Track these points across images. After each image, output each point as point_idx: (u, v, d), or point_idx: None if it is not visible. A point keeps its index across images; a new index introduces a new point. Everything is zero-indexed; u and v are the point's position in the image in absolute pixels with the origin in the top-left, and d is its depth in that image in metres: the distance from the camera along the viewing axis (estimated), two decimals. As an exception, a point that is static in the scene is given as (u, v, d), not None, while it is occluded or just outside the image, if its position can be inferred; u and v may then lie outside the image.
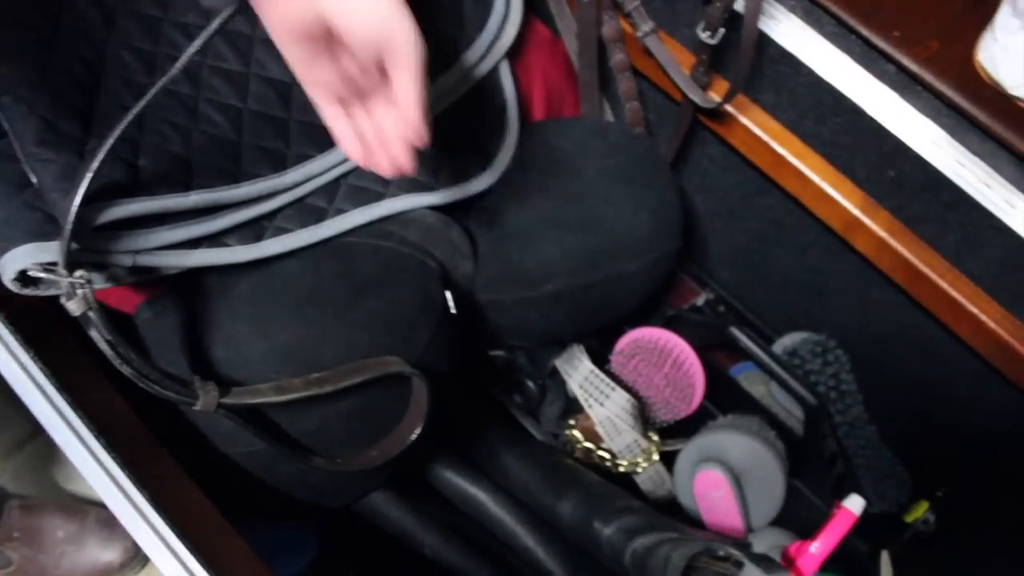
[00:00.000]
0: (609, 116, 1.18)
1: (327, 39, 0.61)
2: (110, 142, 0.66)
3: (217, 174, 0.80)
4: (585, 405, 1.03)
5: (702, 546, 0.85)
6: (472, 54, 0.95)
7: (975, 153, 0.94)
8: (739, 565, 0.88)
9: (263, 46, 0.85)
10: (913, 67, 0.93)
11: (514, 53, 1.03)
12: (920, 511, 1.18)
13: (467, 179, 0.94)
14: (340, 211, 0.88)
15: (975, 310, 0.99)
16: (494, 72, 0.99)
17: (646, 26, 1.01)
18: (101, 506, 0.82)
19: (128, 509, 0.70)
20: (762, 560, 0.86)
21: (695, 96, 1.02)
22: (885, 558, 1.08)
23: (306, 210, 0.86)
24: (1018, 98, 0.86)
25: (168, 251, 0.77)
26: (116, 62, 0.79)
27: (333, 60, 0.63)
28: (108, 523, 1.03)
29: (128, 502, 0.70)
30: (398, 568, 1.01)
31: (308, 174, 0.85)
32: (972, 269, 0.99)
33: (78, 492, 1.07)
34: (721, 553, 0.89)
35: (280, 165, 0.84)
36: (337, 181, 0.88)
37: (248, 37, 0.85)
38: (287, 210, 0.86)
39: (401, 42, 0.60)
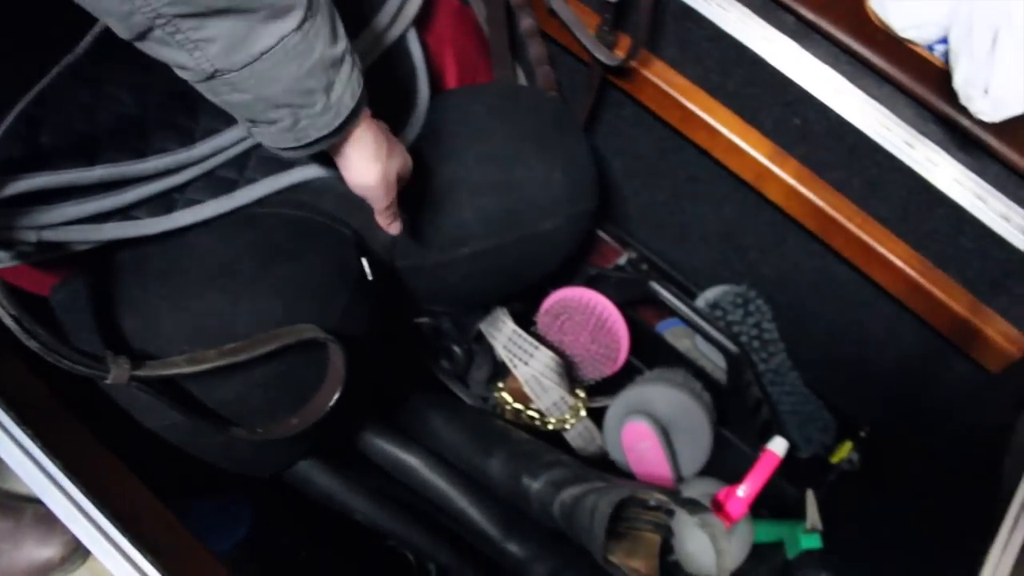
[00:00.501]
0: (523, 81, 1.19)
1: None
2: (9, 120, 0.66)
3: (123, 149, 0.79)
4: (510, 365, 1.05)
5: (627, 493, 0.87)
6: (379, 21, 0.95)
7: (873, 97, 0.96)
8: (670, 513, 0.91)
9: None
10: (809, 15, 0.95)
11: (423, 22, 1.04)
12: (844, 451, 1.21)
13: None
14: (251, 181, 0.88)
15: (884, 251, 1.01)
16: (402, 40, 0.99)
17: (551, -12, 1.03)
18: (37, 503, 0.81)
19: (66, 504, 0.70)
20: (688, 503, 0.88)
21: (600, 54, 1.03)
22: (811, 498, 1.11)
23: (217, 181, 0.87)
24: (908, 40, 0.88)
25: (76, 226, 0.77)
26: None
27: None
28: (45, 519, 1.03)
29: (65, 497, 0.70)
30: (332, 535, 1.02)
31: (217, 147, 0.85)
32: (879, 211, 1.02)
33: (13, 490, 1.06)
34: (652, 503, 0.91)
35: (188, 139, 0.84)
36: (248, 153, 0.88)
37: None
38: (197, 182, 0.86)
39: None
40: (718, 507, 1.03)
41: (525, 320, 1.13)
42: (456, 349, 1.10)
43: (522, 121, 0.99)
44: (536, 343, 1.04)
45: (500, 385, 1.09)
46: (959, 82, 0.81)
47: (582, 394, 1.09)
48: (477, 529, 0.97)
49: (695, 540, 1.00)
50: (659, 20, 1.02)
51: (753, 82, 1.01)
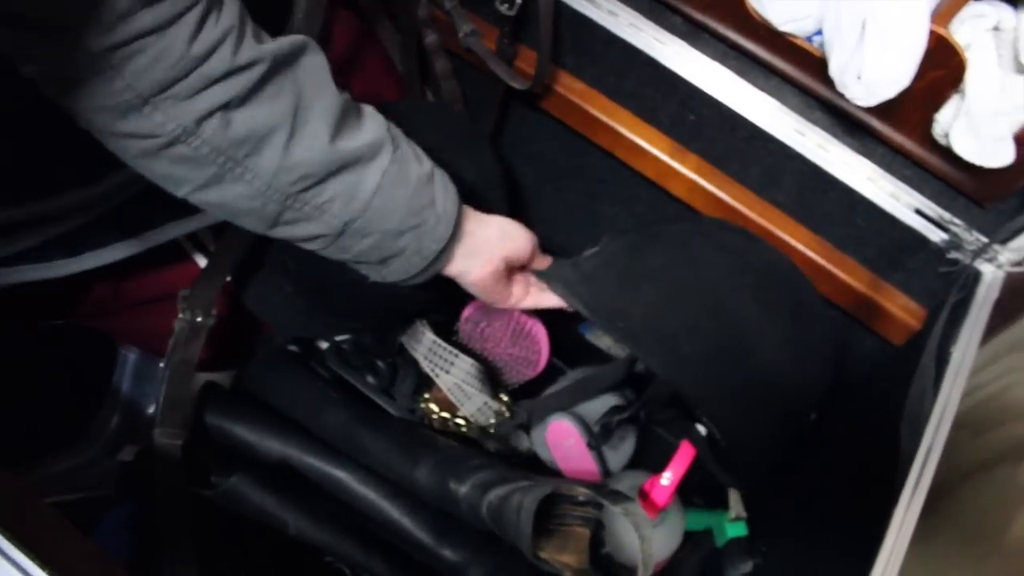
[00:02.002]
0: (429, 98, 1.22)
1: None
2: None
3: (25, 188, 0.80)
4: (432, 375, 1.06)
5: (551, 489, 0.89)
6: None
7: (762, 89, 1.00)
8: (598, 507, 0.93)
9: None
10: (696, 15, 0.99)
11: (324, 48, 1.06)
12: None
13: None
14: (155, 223, 0.89)
15: (786, 236, 1.05)
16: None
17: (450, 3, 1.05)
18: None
19: None
20: (610, 494, 0.91)
21: (514, 82, 1.06)
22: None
23: (123, 221, 0.87)
24: (788, 33, 0.92)
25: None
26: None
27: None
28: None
29: None
30: (267, 553, 1.03)
31: (120, 183, 0.86)
32: (777, 198, 1.06)
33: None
34: (579, 499, 0.94)
35: (94, 175, 0.84)
36: (151, 191, 0.89)
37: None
38: (104, 222, 0.86)
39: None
40: (645, 497, 1.06)
41: (447, 330, 1.15)
42: (380, 364, 1.12)
43: (428, 136, 1.01)
44: (456, 351, 1.06)
45: (426, 396, 1.10)
46: (834, 70, 0.85)
47: (505, 398, 1.11)
48: (411, 538, 0.98)
49: (624, 530, 1.03)
50: (556, 30, 1.05)
51: (648, 83, 1.05)
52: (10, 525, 0.70)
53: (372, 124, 0.75)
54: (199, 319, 0.93)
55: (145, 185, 0.88)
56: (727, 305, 0.90)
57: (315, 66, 0.70)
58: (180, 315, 0.93)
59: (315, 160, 0.69)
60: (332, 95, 0.71)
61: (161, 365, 1.08)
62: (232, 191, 0.68)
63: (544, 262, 0.96)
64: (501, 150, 1.28)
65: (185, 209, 0.91)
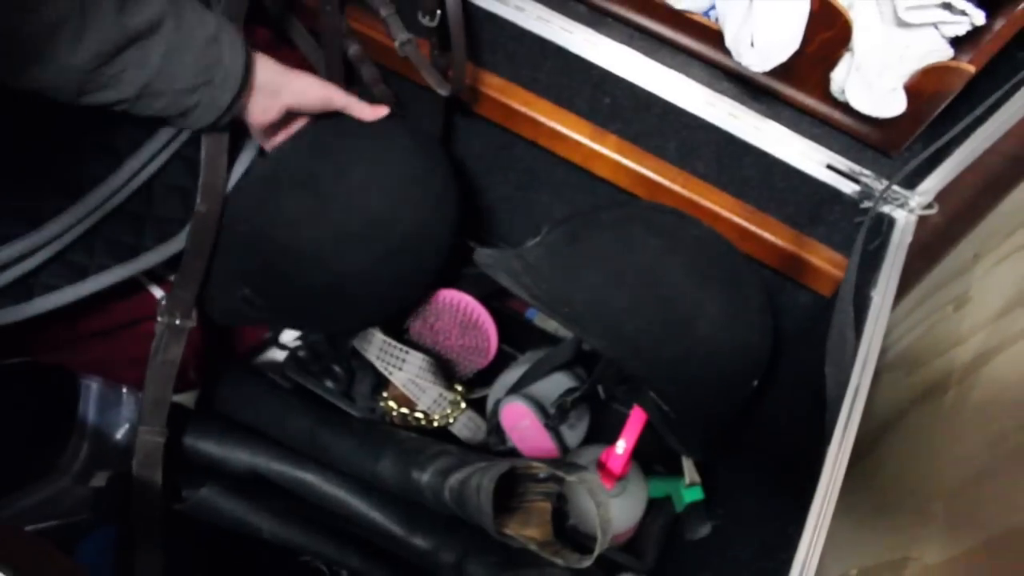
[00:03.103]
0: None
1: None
2: None
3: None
4: (386, 373, 1.10)
5: (508, 466, 0.93)
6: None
7: (670, 66, 1.04)
8: (559, 481, 0.97)
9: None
10: (599, 2, 1.03)
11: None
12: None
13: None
14: (101, 267, 0.92)
15: (710, 204, 1.09)
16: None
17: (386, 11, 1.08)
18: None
19: None
20: (565, 466, 0.94)
21: (433, 81, 1.08)
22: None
23: (69, 266, 0.90)
24: (686, 11, 0.96)
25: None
26: None
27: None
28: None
29: None
30: (243, 559, 1.07)
31: (64, 226, 0.88)
32: (697, 168, 1.10)
33: None
34: (540, 475, 0.97)
35: (36, 221, 0.87)
36: (94, 234, 0.92)
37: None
38: (51, 267, 0.89)
39: (338, 100, 1.00)
40: (603, 468, 1.10)
41: (397, 328, 1.19)
42: (336, 368, 1.15)
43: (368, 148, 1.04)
44: (405, 348, 1.10)
45: (384, 395, 1.14)
46: (729, 40, 0.89)
47: (460, 388, 1.15)
48: (382, 530, 1.02)
49: (585, 500, 1.07)
50: (471, 31, 1.08)
51: (562, 71, 1.09)
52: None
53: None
54: (178, 322, 0.96)
55: (87, 228, 0.92)
56: (664, 283, 0.95)
57: None
58: (159, 318, 0.96)
59: (104, 39, 0.76)
60: None
61: (124, 391, 1.11)
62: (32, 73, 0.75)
63: (360, 108, 1.02)
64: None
65: (131, 250, 0.94)
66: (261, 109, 0.96)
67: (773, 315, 1.02)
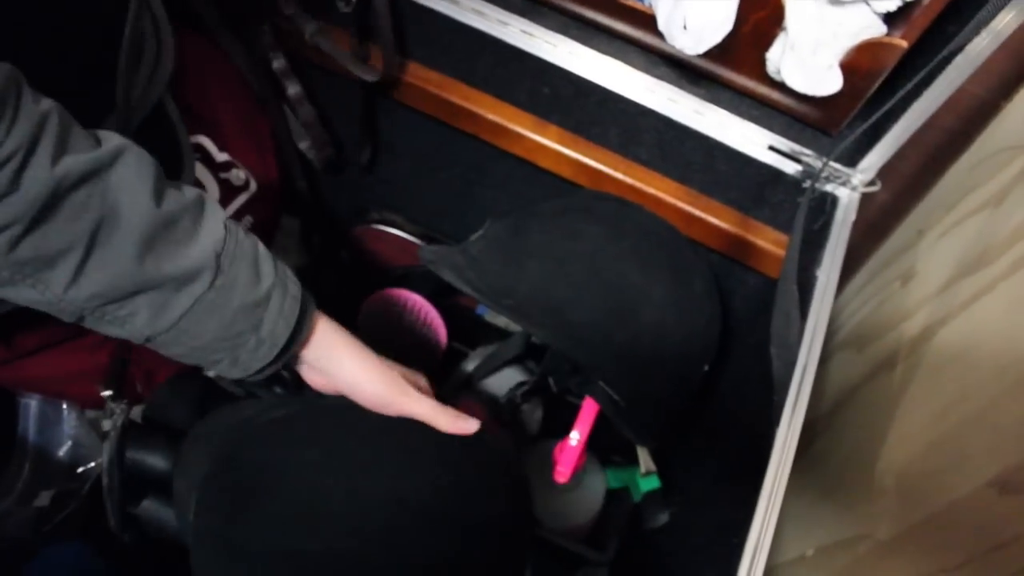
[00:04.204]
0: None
1: None
2: None
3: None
4: (336, 376, 1.08)
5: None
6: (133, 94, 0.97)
7: (607, 53, 1.04)
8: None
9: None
10: (531, -9, 1.02)
11: (183, 76, 1.07)
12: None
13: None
14: None
15: (653, 191, 1.09)
16: (160, 106, 1.01)
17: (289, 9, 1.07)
18: None
19: None
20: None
21: (362, 73, 1.07)
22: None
23: None
24: (620, -2, 0.95)
25: None
26: None
27: None
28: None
29: None
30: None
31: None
32: (639, 155, 1.09)
33: None
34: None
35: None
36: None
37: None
38: None
39: (408, 407, 0.83)
40: (556, 461, 1.09)
41: (350, 327, 1.17)
42: (285, 374, 1.13)
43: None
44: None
45: (335, 398, 1.13)
46: (662, 24, 0.89)
47: (413, 387, 1.14)
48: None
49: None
50: (400, 24, 1.07)
51: (499, 63, 1.07)
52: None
53: (202, 244, 0.68)
54: None
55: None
56: (608, 270, 0.94)
57: (131, 177, 0.64)
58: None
59: (114, 281, 0.64)
60: (148, 210, 0.64)
61: (64, 407, 1.09)
62: (25, 295, 0.63)
63: (444, 419, 0.86)
64: (378, 146, 1.31)
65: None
66: (307, 376, 0.84)
67: (722, 299, 1.02)
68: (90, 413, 1.13)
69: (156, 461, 1.01)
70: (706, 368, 1.00)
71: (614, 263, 0.94)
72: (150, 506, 0.96)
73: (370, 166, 1.35)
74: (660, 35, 0.90)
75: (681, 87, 1.02)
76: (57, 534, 1.02)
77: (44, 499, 1.04)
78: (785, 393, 0.84)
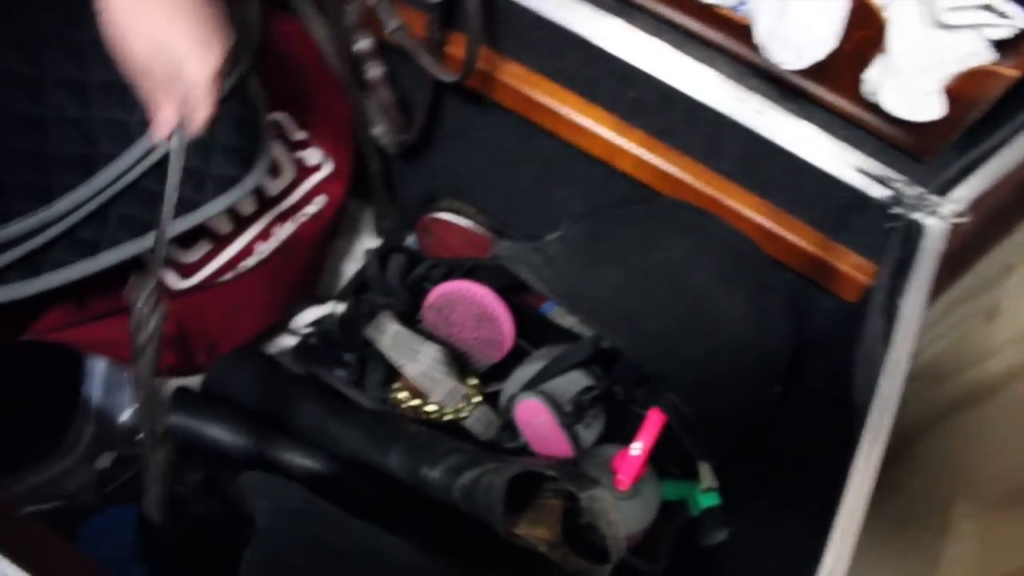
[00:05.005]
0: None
1: None
2: None
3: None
4: (398, 365, 1.08)
5: (520, 469, 0.91)
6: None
7: (699, 60, 1.02)
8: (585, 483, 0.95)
9: (6, 80, 0.87)
10: (627, -7, 1.00)
11: (266, 53, 1.07)
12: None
13: (231, 186, 0.98)
14: (115, 242, 0.90)
15: (735, 204, 1.07)
16: (242, 80, 1.02)
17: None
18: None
19: None
20: (577, 479, 0.92)
21: (441, 74, 1.07)
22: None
23: (80, 242, 0.89)
24: (715, 5, 0.93)
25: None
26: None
27: None
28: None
29: None
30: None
31: (74, 203, 0.87)
32: (723, 167, 1.07)
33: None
34: (549, 474, 0.95)
35: (45, 198, 0.86)
36: (106, 210, 0.91)
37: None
38: (61, 242, 0.88)
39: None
40: (616, 470, 1.07)
41: (411, 319, 1.17)
42: (348, 357, 1.13)
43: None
44: (420, 339, 1.08)
45: (396, 386, 1.12)
46: (761, 36, 0.87)
47: (473, 382, 1.13)
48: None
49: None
50: (488, 16, 1.06)
51: (586, 62, 1.06)
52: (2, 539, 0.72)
53: None
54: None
55: (99, 205, 0.90)
56: (687, 283, 0.92)
57: None
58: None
59: None
60: None
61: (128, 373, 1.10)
62: None
63: None
64: (451, 136, 1.31)
65: (144, 226, 0.93)
66: None
67: (798, 319, 1.00)
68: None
69: (215, 432, 1.02)
70: (778, 389, 0.98)
71: (694, 275, 0.92)
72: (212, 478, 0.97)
73: (443, 155, 1.35)
74: (754, 46, 0.89)
75: (772, 100, 1.00)
76: (116, 497, 1.03)
77: (105, 461, 1.05)
78: (864, 424, 0.82)
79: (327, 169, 1.22)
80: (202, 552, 1.04)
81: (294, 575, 0.78)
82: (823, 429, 1.01)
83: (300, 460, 1.01)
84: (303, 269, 1.23)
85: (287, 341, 1.25)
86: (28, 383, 1.04)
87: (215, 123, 0.80)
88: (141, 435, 1.07)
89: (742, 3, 0.92)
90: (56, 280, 0.87)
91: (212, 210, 0.98)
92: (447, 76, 1.05)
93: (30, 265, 0.85)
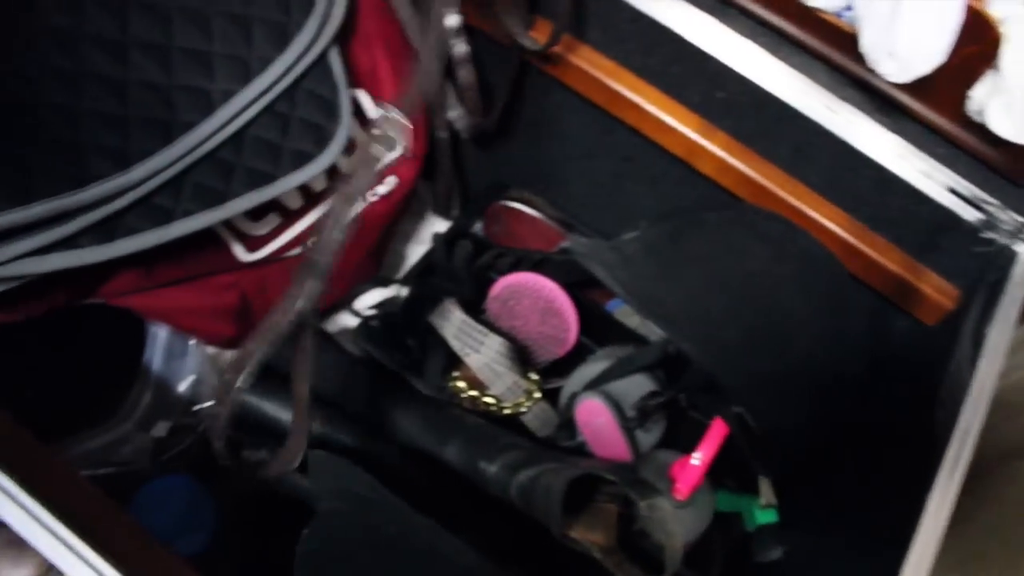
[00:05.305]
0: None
1: None
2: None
3: (60, 177, 0.80)
4: (461, 354, 1.07)
5: (580, 472, 0.89)
6: (301, 40, 0.96)
7: (792, 66, 0.98)
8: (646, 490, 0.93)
9: (91, 43, 0.86)
10: (725, -9, 0.98)
11: (349, 26, 1.05)
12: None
13: (306, 163, 0.97)
14: (187, 212, 0.89)
15: (817, 216, 1.04)
16: (322, 58, 1.00)
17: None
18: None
19: (27, 521, 0.70)
20: (637, 485, 0.91)
21: (517, 31, 1.04)
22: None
23: (154, 210, 0.87)
24: (817, 8, 0.90)
25: (14, 262, 0.78)
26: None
27: None
28: (18, 540, 1.04)
29: (27, 514, 0.70)
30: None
31: (152, 169, 0.86)
32: (808, 177, 1.04)
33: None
34: (610, 478, 0.93)
35: (123, 163, 0.85)
36: (182, 178, 0.89)
37: (80, 36, 0.85)
38: (136, 209, 0.87)
39: None
40: (674, 478, 1.05)
41: (475, 308, 1.15)
42: (409, 342, 1.12)
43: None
44: (486, 330, 1.06)
45: (456, 374, 1.11)
46: (866, 46, 0.83)
47: (535, 377, 1.12)
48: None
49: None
50: (579, 4, 1.04)
51: (676, 59, 1.03)
52: (57, 502, 0.71)
53: None
54: None
55: (178, 172, 0.89)
56: (766, 295, 0.90)
57: None
58: None
59: None
60: None
61: (191, 343, 1.09)
62: None
63: None
64: (527, 125, 1.28)
65: (219, 197, 0.91)
66: None
67: (874, 340, 0.97)
68: (211, 350, 1.14)
69: (273, 408, 1.01)
70: (847, 406, 0.96)
71: (773, 288, 0.90)
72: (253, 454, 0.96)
73: (517, 143, 1.32)
74: (853, 55, 0.86)
75: (865, 112, 0.97)
76: (171, 467, 1.03)
77: (161, 430, 1.05)
78: (944, 454, 0.79)
79: (400, 150, 1.20)
80: (256, 527, 1.04)
81: (351, 563, 0.77)
82: (893, 455, 0.98)
83: (358, 444, 1.00)
84: (368, 249, 1.21)
85: (347, 321, 1.24)
86: (91, 346, 1.04)
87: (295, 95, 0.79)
88: (198, 406, 1.08)
89: (848, 8, 0.89)
90: (129, 247, 0.85)
91: (286, 185, 0.96)
92: (531, 43, 1.03)
93: (105, 231, 0.84)
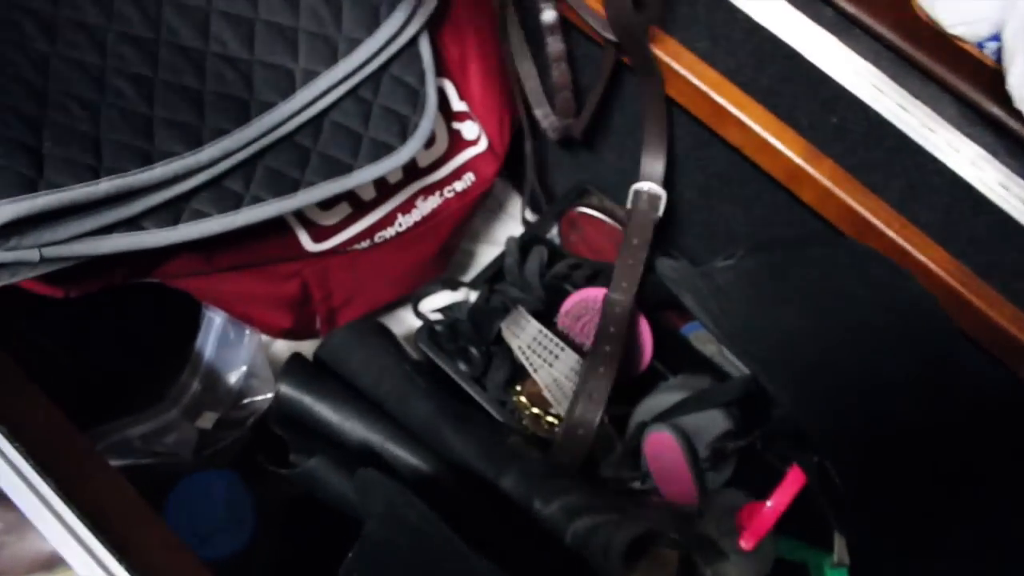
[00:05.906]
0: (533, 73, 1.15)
1: None
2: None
3: (129, 155, 0.76)
4: (530, 368, 1.00)
5: (643, 529, 0.83)
6: (393, 22, 0.91)
7: (917, 96, 0.91)
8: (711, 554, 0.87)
9: (173, 9, 0.82)
10: (850, 8, 0.91)
11: (441, 12, 1.00)
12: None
13: (386, 155, 0.92)
14: (256, 199, 0.84)
15: (923, 258, 0.96)
16: (412, 43, 0.95)
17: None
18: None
19: (37, 505, 0.66)
20: (702, 546, 0.85)
21: (599, 26, 0.98)
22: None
23: (223, 193, 0.83)
24: (956, 36, 0.83)
25: (79, 240, 0.74)
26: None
27: None
28: (50, 550, 1.01)
29: (36, 496, 0.66)
30: (338, 536, 1.00)
31: (225, 150, 0.81)
32: (919, 216, 0.97)
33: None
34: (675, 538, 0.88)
35: (195, 141, 0.80)
36: (254, 162, 0.85)
37: (162, 1, 0.81)
38: (203, 192, 0.82)
39: None
40: (742, 525, 0.99)
41: (546, 321, 1.09)
42: (473, 351, 1.06)
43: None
44: (562, 344, 1.00)
45: (518, 389, 1.05)
46: (1014, 83, 0.76)
47: (602, 401, 1.06)
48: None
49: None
50: (692, 11, 0.98)
51: (789, 78, 0.96)
52: (88, 510, 0.67)
53: None
54: None
55: (251, 155, 0.84)
56: (867, 343, 0.83)
57: None
58: None
59: None
60: None
61: (247, 332, 1.05)
62: None
63: None
64: (616, 132, 1.22)
65: (291, 184, 0.87)
66: None
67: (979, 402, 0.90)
68: (264, 339, 1.09)
69: (325, 411, 0.96)
70: (946, 472, 0.88)
71: (877, 336, 0.83)
72: (319, 465, 0.90)
73: (605, 148, 1.26)
74: (990, 90, 0.79)
75: (993, 153, 0.90)
76: (214, 461, 0.98)
77: (207, 420, 1.01)
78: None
79: (482, 146, 1.14)
80: (293, 532, 1.00)
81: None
82: (994, 522, 0.91)
83: (408, 459, 0.94)
84: (439, 247, 1.16)
85: (409, 321, 1.19)
86: (143, 326, 1.00)
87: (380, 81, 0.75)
88: (247, 400, 1.03)
89: (993, 39, 0.81)
90: (193, 233, 0.81)
91: (363, 177, 0.91)
92: (608, 32, 0.97)
93: (169, 214, 0.79)
